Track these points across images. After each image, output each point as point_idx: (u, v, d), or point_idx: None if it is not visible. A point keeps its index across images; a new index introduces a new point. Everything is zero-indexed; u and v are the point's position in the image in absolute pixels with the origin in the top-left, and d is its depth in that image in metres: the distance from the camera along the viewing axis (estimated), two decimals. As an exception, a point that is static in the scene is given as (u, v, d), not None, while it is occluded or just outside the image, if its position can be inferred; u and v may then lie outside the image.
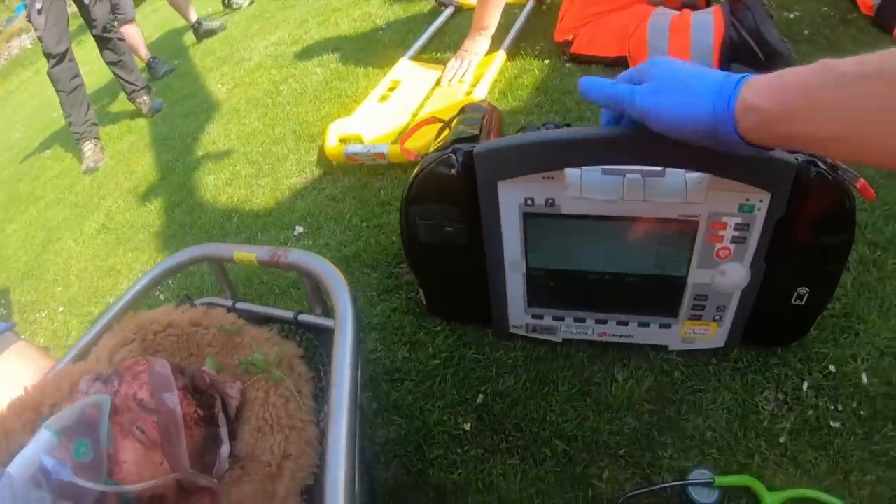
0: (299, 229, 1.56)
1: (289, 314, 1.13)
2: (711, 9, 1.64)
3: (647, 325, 0.92)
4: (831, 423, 0.86)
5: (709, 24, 1.58)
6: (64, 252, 2.12)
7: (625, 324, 0.93)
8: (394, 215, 1.47)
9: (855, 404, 0.88)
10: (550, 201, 0.81)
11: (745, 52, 1.54)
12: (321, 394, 0.89)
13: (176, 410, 0.79)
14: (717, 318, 0.88)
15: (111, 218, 2.15)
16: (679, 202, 0.75)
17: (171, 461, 0.76)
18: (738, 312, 0.86)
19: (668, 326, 0.91)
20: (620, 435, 0.91)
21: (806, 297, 0.83)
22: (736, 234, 0.76)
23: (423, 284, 1.09)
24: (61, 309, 1.82)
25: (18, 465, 0.67)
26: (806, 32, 1.75)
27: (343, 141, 1.76)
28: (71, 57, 2.75)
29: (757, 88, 0.53)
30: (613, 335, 0.95)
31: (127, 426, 0.77)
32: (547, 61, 1.91)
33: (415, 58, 2.20)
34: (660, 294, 0.87)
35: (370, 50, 2.44)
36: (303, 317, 1.11)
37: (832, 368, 0.92)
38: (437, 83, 2.01)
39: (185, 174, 2.14)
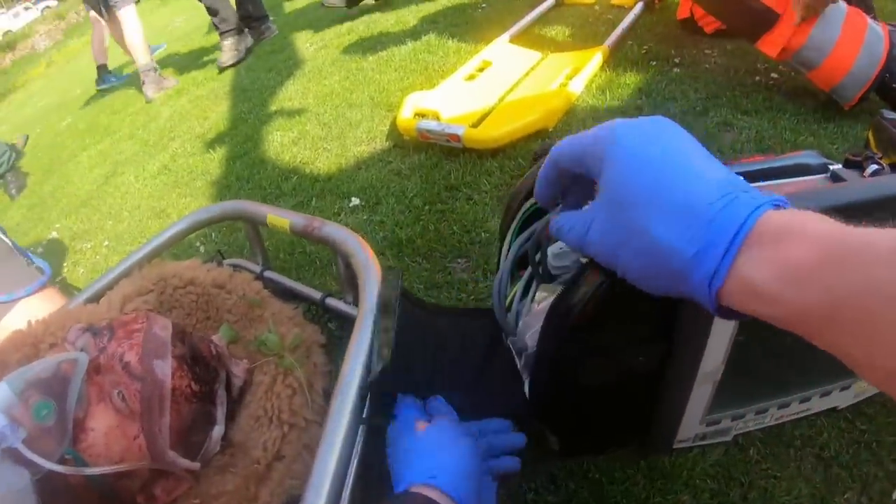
0: (356, 201, 1.44)
1: (317, 295, 1.01)
2: (879, 22, 1.38)
3: (828, 392, 0.74)
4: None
5: (881, 35, 1.34)
6: (123, 187, 2.09)
7: (808, 399, 0.74)
8: (461, 203, 1.33)
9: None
10: None
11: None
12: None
13: (164, 381, 0.67)
14: None
15: (175, 160, 2.11)
16: None
17: (148, 437, 0.64)
18: None
19: (847, 387, 0.74)
20: (671, 512, 0.74)
21: None
22: None
23: (561, 431, 0.76)
24: (107, 242, 1.77)
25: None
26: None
27: (419, 115, 1.64)
28: None
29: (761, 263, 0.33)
30: (791, 414, 0.76)
31: (106, 389, 0.66)
32: (654, 63, 1.73)
33: (512, 40, 2.05)
34: None
35: (466, 27, 2.31)
36: (331, 301, 0.99)
37: (934, 476, 0.73)
38: (533, 69, 1.85)
39: (255, 127, 2.07)
